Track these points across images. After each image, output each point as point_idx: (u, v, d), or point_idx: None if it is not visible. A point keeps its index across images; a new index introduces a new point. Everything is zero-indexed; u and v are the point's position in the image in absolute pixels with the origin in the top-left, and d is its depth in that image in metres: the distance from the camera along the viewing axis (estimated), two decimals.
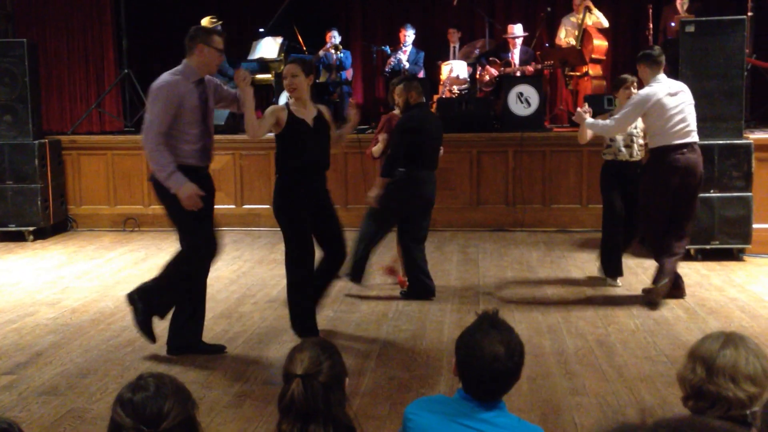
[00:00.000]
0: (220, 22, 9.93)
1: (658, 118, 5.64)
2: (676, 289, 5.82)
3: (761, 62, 8.93)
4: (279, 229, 5.29)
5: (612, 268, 6.30)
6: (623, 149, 6.11)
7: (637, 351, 4.78)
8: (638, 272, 6.66)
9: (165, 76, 4.67)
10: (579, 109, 6.11)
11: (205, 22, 9.91)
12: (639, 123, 6.04)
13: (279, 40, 10.47)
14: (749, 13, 8.49)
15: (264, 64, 10.44)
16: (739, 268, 6.77)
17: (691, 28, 7.14)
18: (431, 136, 5.90)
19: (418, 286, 6.00)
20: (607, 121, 5.87)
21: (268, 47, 10.50)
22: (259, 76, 10.39)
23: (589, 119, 5.95)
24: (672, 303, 5.77)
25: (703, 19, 7.41)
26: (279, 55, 10.40)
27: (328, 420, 2.29)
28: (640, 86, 6.04)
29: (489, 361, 2.36)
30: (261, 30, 10.79)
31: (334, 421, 2.31)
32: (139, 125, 10.03)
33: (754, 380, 2.28)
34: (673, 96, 5.66)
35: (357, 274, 6.00)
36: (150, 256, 7.67)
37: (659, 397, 4.04)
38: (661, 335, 5.06)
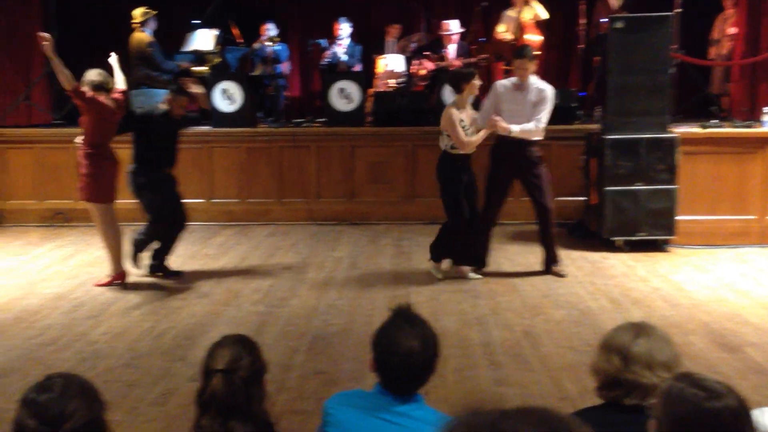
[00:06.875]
0: (154, 13, 9.75)
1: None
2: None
3: (688, 57, 9.17)
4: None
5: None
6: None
7: (562, 341, 4.88)
8: (567, 263, 6.78)
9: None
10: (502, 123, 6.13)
11: (138, 13, 9.73)
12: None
13: (214, 31, 10.34)
14: (676, 10, 8.71)
15: (199, 56, 10.30)
16: (663, 258, 6.96)
17: (619, 25, 7.29)
18: None
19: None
20: (531, 125, 6.05)
21: (203, 39, 10.36)
22: (195, 68, 10.26)
23: (516, 126, 6.07)
24: (598, 293, 5.91)
25: (631, 15, 7.58)
26: (214, 47, 10.27)
27: (248, 415, 2.29)
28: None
29: (404, 356, 2.39)
30: (195, 21, 10.63)
31: (254, 416, 2.31)
32: (68, 118, 9.85)
33: (667, 366, 2.36)
34: None
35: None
36: (79, 252, 7.51)
37: (581, 386, 4.14)
38: (585, 325, 5.18)
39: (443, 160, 6.20)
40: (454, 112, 6.04)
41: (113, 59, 6.63)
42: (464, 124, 6.05)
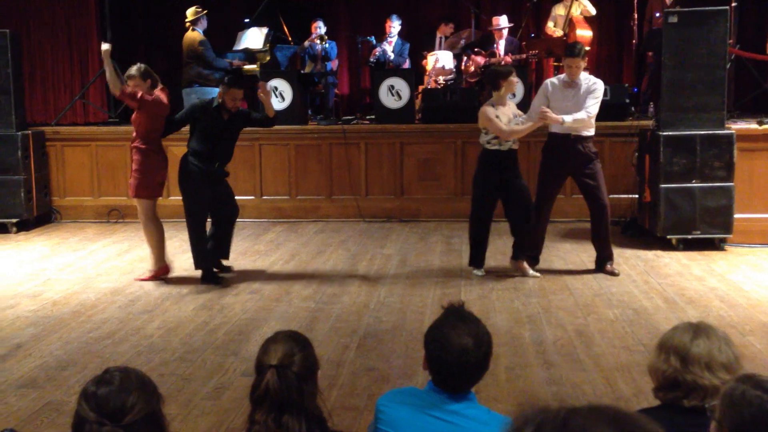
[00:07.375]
0: (205, 12, 9.88)
1: None
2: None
3: (744, 52, 8.95)
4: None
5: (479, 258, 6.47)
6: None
7: (615, 341, 4.81)
8: (619, 261, 6.66)
9: None
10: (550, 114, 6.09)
11: (191, 12, 9.87)
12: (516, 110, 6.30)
13: (264, 30, 10.44)
14: (733, 4, 8.50)
15: (250, 55, 10.41)
16: (720, 257, 6.81)
17: (674, 19, 7.15)
18: None
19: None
20: (582, 113, 5.99)
21: (254, 37, 10.47)
22: (246, 67, 10.37)
23: (568, 117, 6.02)
24: (652, 293, 5.81)
25: (686, 9, 7.42)
26: (264, 45, 10.37)
27: (301, 411, 2.30)
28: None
29: (458, 354, 2.37)
30: (246, 20, 10.75)
31: (307, 412, 2.32)
32: (123, 116, 10.05)
33: (727, 368, 2.31)
34: None
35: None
36: (133, 247, 7.65)
37: (635, 387, 4.07)
38: (639, 325, 5.09)
39: (480, 156, 6.32)
40: (489, 108, 6.11)
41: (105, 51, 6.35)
42: (501, 120, 6.06)
